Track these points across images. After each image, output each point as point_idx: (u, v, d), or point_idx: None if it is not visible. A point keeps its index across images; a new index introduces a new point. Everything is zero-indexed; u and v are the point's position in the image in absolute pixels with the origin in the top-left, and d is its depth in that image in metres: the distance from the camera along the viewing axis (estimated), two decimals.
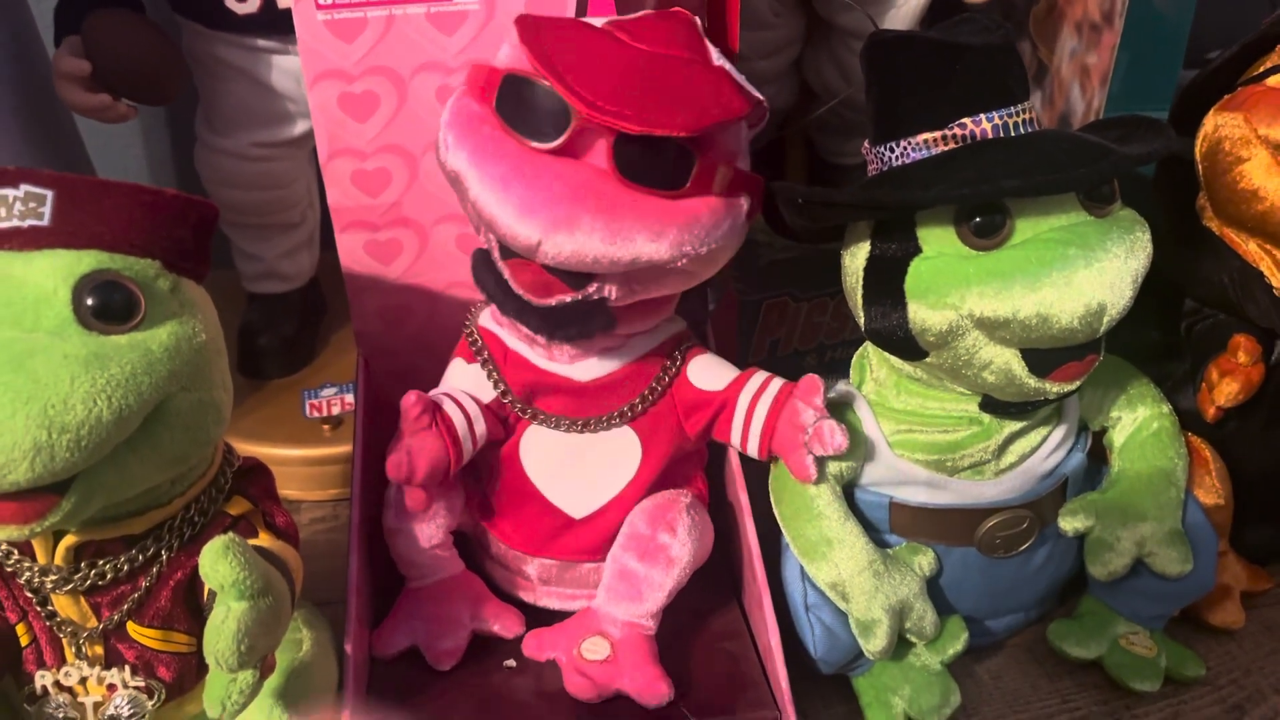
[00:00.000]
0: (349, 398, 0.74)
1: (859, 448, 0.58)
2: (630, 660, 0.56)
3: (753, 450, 0.58)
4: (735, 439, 0.58)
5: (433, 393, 0.57)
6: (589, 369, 0.57)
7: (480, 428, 0.57)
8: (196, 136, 0.77)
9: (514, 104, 0.50)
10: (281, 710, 0.50)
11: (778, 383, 0.58)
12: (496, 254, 0.52)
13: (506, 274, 0.52)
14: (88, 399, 0.41)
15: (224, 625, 0.42)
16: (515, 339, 0.58)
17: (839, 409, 0.59)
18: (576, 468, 0.58)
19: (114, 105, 0.68)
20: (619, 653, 0.56)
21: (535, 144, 0.49)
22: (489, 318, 0.59)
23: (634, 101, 0.47)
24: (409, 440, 0.54)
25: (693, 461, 0.62)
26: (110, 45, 0.66)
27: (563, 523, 0.59)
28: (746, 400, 0.57)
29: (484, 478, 0.60)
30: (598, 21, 0.53)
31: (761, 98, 0.53)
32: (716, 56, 0.53)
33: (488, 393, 0.58)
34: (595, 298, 0.51)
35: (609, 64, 0.49)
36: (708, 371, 0.59)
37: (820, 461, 0.56)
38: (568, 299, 0.51)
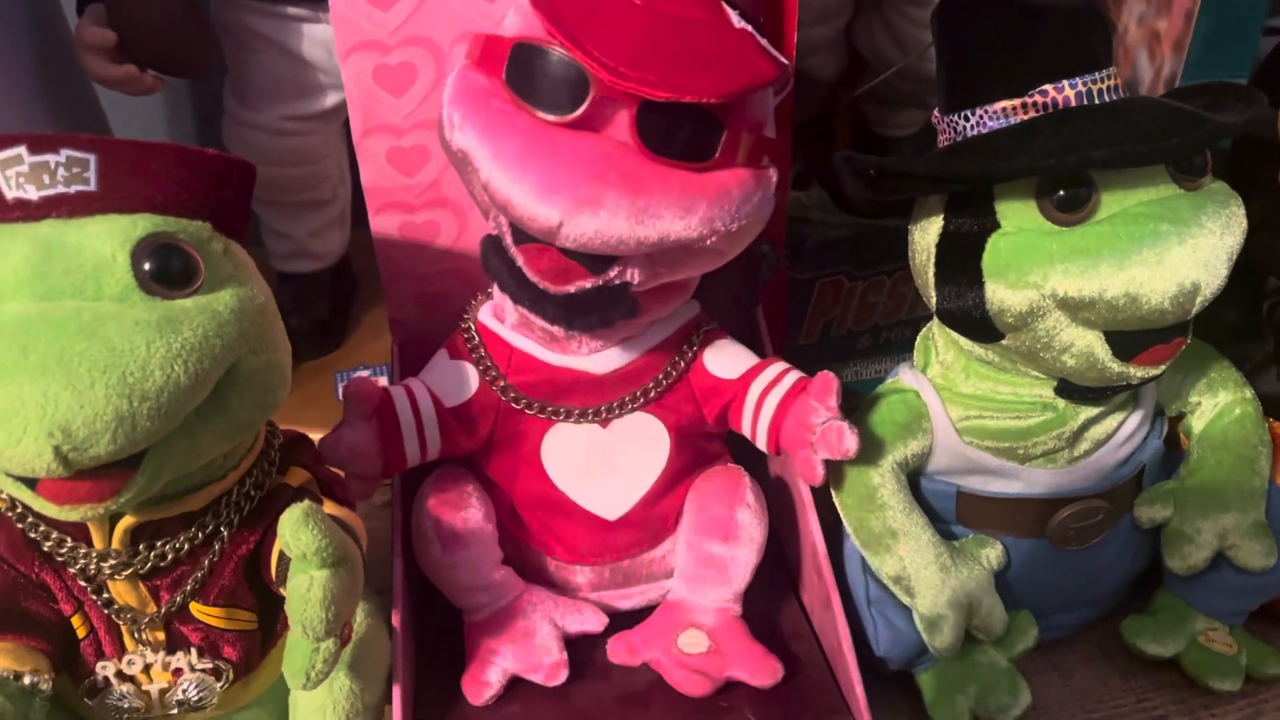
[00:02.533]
0: (383, 380, 0.71)
1: (925, 434, 0.55)
2: (732, 645, 0.54)
3: (761, 444, 0.55)
4: (746, 430, 0.56)
5: (397, 384, 0.55)
6: (605, 360, 0.54)
7: (431, 432, 0.54)
8: (224, 110, 0.74)
9: (525, 74, 0.46)
10: (345, 678, 0.48)
11: (792, 377, 0.55)
12: (509, 239, 0.49)
13: (520, 260, 0.48)
14: (165, 364, 0.40)
15: (310, 593, 0.41)
16: (521, 337, 0.54)
17: (902, 394, 0.56)
18: (603, 467, 0.55)
19: (140, 77, 0.65)
20: (719, 640, 0.54)
21: (551, 117, 0.45)
22: (489, 313, 0.55)
23: (658, 67, 0.44)
24: (344, 427, 0.52)
25: (716, 439, 0.59)
26: (136, 14, 0.63)
27: (600, 526, 0.56)
28: (757, 392, 0.55)
29: (511, 491, 0.57)
30: None
31: (786, 61, 0.50)
32: (737, 19, 0.49)
33: (461, 393, 0.54)
34: (617, 282, 0.48)
35: (627, 28, 0.45)
36: (724, 358, 0.56)
37: (867, 459, 0.53)
38: (588, 285, 0.47)
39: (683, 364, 0.55)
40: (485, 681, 0.54)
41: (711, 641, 0.54)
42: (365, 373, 0.76)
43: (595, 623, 0.56)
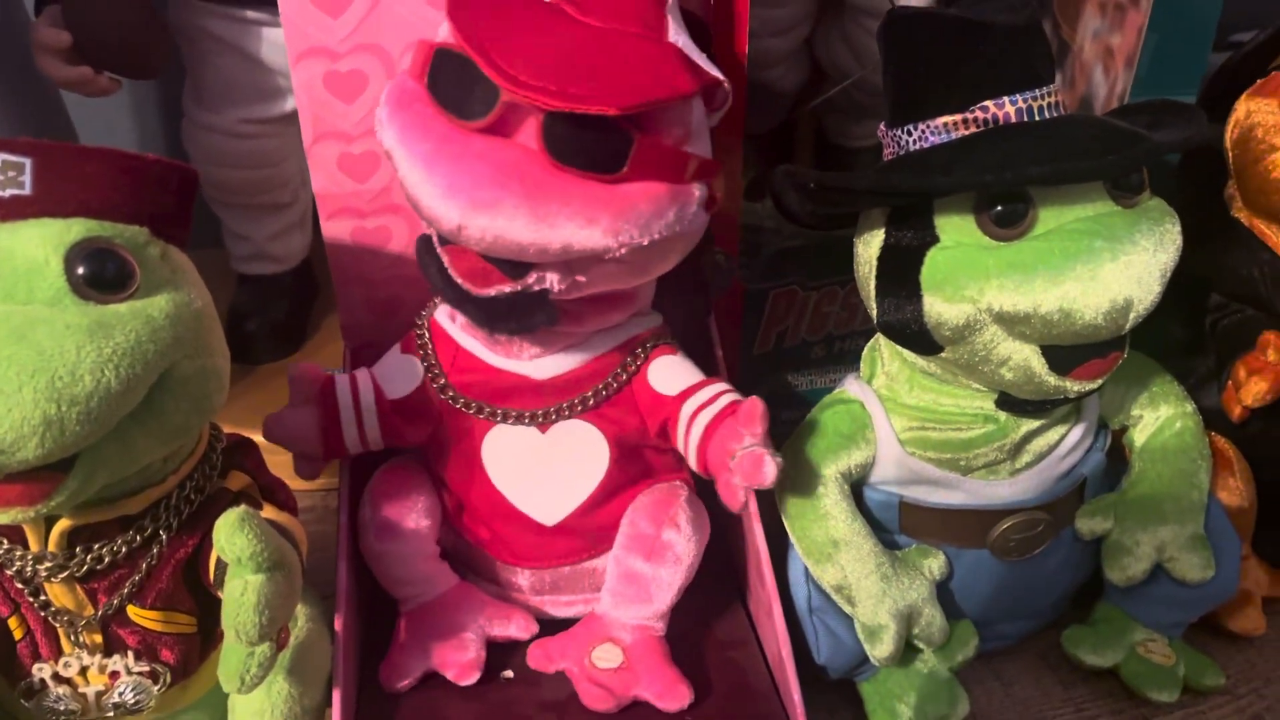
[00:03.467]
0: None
1: (869, 446, 0.55)
2: (645, 665, 0.54)
3: (692, 465, 0.55)
4: (680, 449, 0.55)
5: (349, 372, 0.56)
6: (546, 366, 0.54)
7: (370, 423, 0.56)
8: (183, 112, 0.74)
9: (443, 80, 0.47)
10: (284, 681, 0.49)
11: (725, 399, 0.54)
12: (436, 239, 0.50)
13: (446, 261, 0.49)
14: (95, 369, 0.39)
15: (244, 598, 0.42)
16: (468, 338, 0.55)
17: (848, 404, 0.56)
18: (542, 473, 0.55)
19: (95, 79, 0.65)
20: (632, 658, 0.54)
21: (464, 122, 0.46)
22: (444, 312, 0.56)
23: (562, 77, 0.44)
24: (286, 409, 0.55)
25: (671, 453, 0.59)
26: (91, 16, 0.63)
27: (537, 530, 0.56)
28: (689, 412, 0.54)
29: (455, 490, 0.57)
30: None
31: (720, 77, 0.50)
32: (674, 32, 0.49)
33: (403, 386, 0.55)
34: (535, 289, 0.48)
35: (544, 38, 0.46)
36: (667, 374, 0.55)
37: (811, 468, 0.53)
38: (506, 289, 0.48)
39: (625, 376, 0.55)
40: (401, 669, 0.55)
41: (625, 658, 0.54)
42: None
43: (523, 630, 0.57)
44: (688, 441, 0.54)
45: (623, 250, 0.46)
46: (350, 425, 0.55)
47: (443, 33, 0.49)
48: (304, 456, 0.56)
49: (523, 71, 0.44)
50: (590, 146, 0.45)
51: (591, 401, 0.55)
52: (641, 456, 0.57)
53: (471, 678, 0.55)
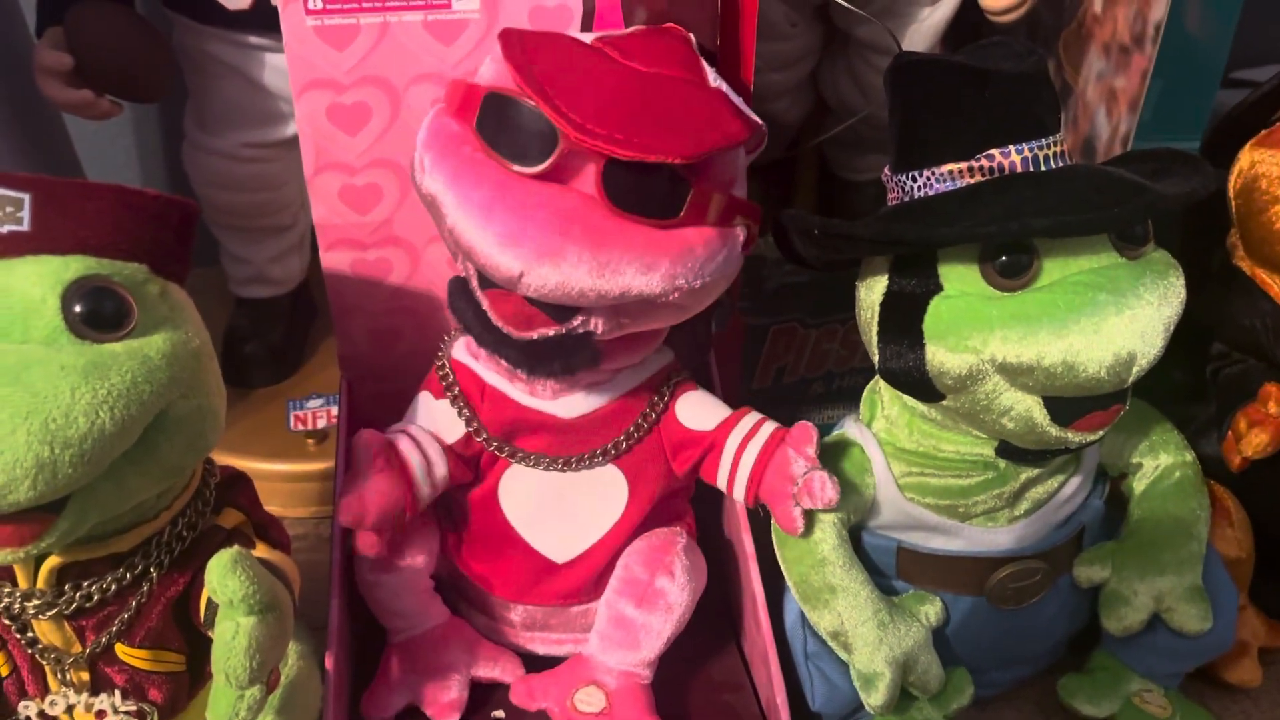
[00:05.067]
0: (335, 410, 0.71)
1: (867, 489, 0.55)
2: (627, 712, 0.53)
3: (739, 496, 0.55)
4: (722, 482, 0.55)
5: (392, 429, 0.54)
6: (573, 405, 0.54)
7: (440, 471, 0.54)
8: (185, 134, 0.74)
9: (496, 124, 0.47)
10: None
11: (769, 427, 0.55)
12: (475, 283, 0.49)
13: (485, 304, 0.49)
14: (89, 411, 0.39)
15: (235, 641, 0.41)
16: (493, 373, 0.54)
17: (846, 447, 0.56)
18: (558, 510, 0.55)
19: (96, 102, 0.65)
20: (615, 704, 0.54)
21: (518, 168, 0.46)
22: (463, 349, 0.56)
23: (626, 125, 0.44)
24: (361, 483, 0.51)
25: (681, 496, 0.59)
26: (94, 39, 0.63)
27: (544, 567, 0.56)
28: (735, 443, 0.54)
29: (460, 522, 0.57)
30: (587, 37, 0.50)
31: (760, 122, 0.50)
32: (713, 77, 0.50)
33: (454, 431, 0.55)
34: (580, 331, 0.48)
35: (600, 84, 0.46)
36: (697, 409, 0.56)
37: (811, 512, 0.53)
38: (550, 332, 0.48)
39: (654, 415, 0.55)
40: (383, 702, 0.55)
41: (608, 704, 0.54)
42: (318, 401, 0.75)
43: (508, 673, 0.57)
44: (735, 473, 0.54)
45: (675, 294, 0.46)
46: (424, 482, 0.53)
47: (486, 74, 0.49)
48: (380, 530, 0.52)
49: (589, 119, 0.44)
50: (649, 193, 0.46)
51: (624, 446, 0.55)
52: (656, 503, 0.57)
53: (452, 717, 0.55)
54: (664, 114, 0.46)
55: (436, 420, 0.55)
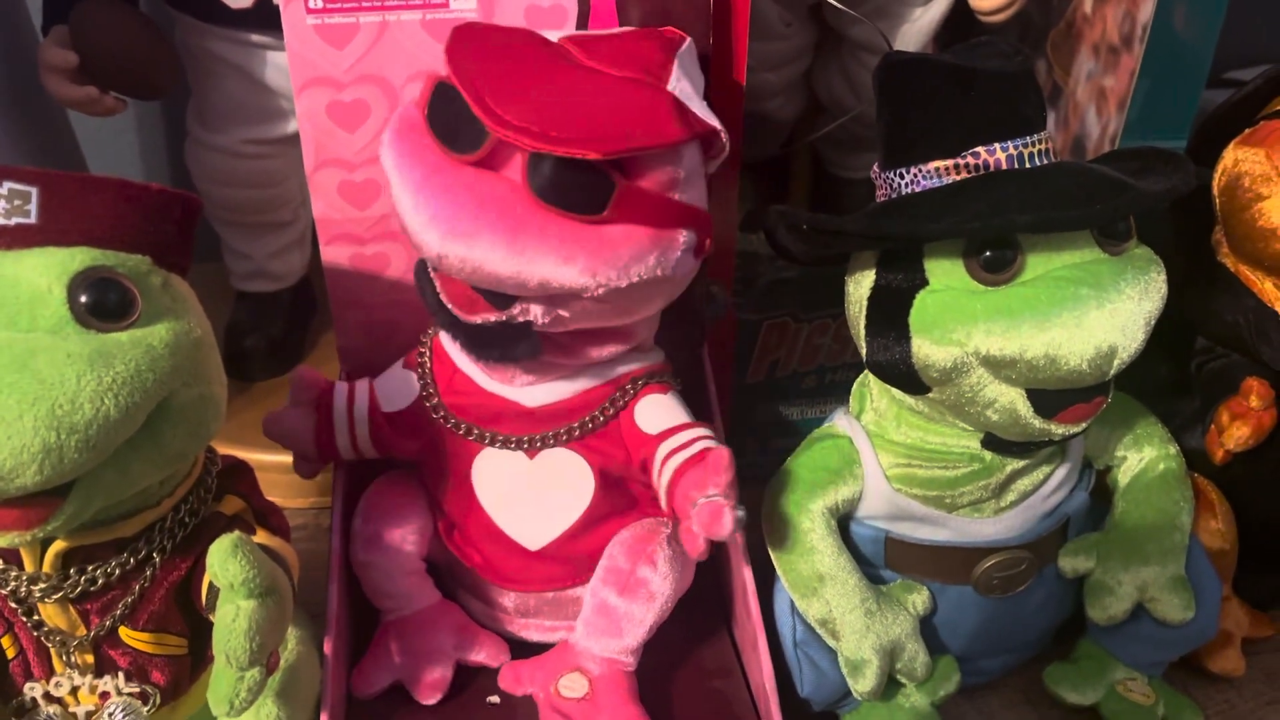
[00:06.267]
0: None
1: (856, 481, 0.56)
2: (609, 699, 0.54)
3: (663, 506, 0.55)
4: (655, 489, 0.56)
5: (348, 380, 0.59)
6: (536, 394, 0.55)
7: (362, 431, 0.58)
8: (187, 131, 0.75)
9: (440, 112, 0.48)
10: (273, 704, 0.49)
11: (699, 445, 0.54)
12: (430, 264, 0.51)
13: (438, 285, 0.51)
14: (95, 397, 0.40)
15: (235, 624, 0.42)
16: (466, 360, 0.56)
17: (837, 439, 0.57)
18: (527, 498, 0.56)
19: (101, 98, 0.66)
20: (597, 691, 0.54)
21: (455, 154, 0.47)
22: (446, 335, 0.57)
23: (546, 119, 0.45)
24: (283, 409, 0.58)
25: None
26: (98, 37, 0.64)
27: (521, 554, 0.57)
28: (663, 454, 0.54)
29: (448, 508, 0.58)
30: (554, 35, 0.51)
31: (718, 126, 0.50)
32: (674, 80, 0.50)
33: (405, 397, 0.57)
34: (519, 320, 0.49)
35: (538, 80, 0.47)
36: (652, 413, 0.55)
37: (798, 505, 0.54)
38: (492, 318, 0.49)
39: (612, 410, 0.55)
40: (371, 679, 0.56)
41: (590, 690, 0.55)
42: None
43: (493, 658, 0.58)
44: (659, 482, 0.54)
45: (600, 290, 0.47)
46: (343, 431, 0.58)
47: (444, 65, 0.50)
48: (302, 456, 0.59)
49: (510, 112, 0.45)
50: (572, 187, 0.46)
51: (578, 432, 0.55)
52: (627, 489, 0.58)
53: (433, 697, 0.56)
54: (595, 111, 0.46)
55: (390, 387, 0.58)
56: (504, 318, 0.49)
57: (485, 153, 0.47)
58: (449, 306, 0.50)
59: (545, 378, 0.54)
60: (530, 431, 0.55)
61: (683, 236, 0.49)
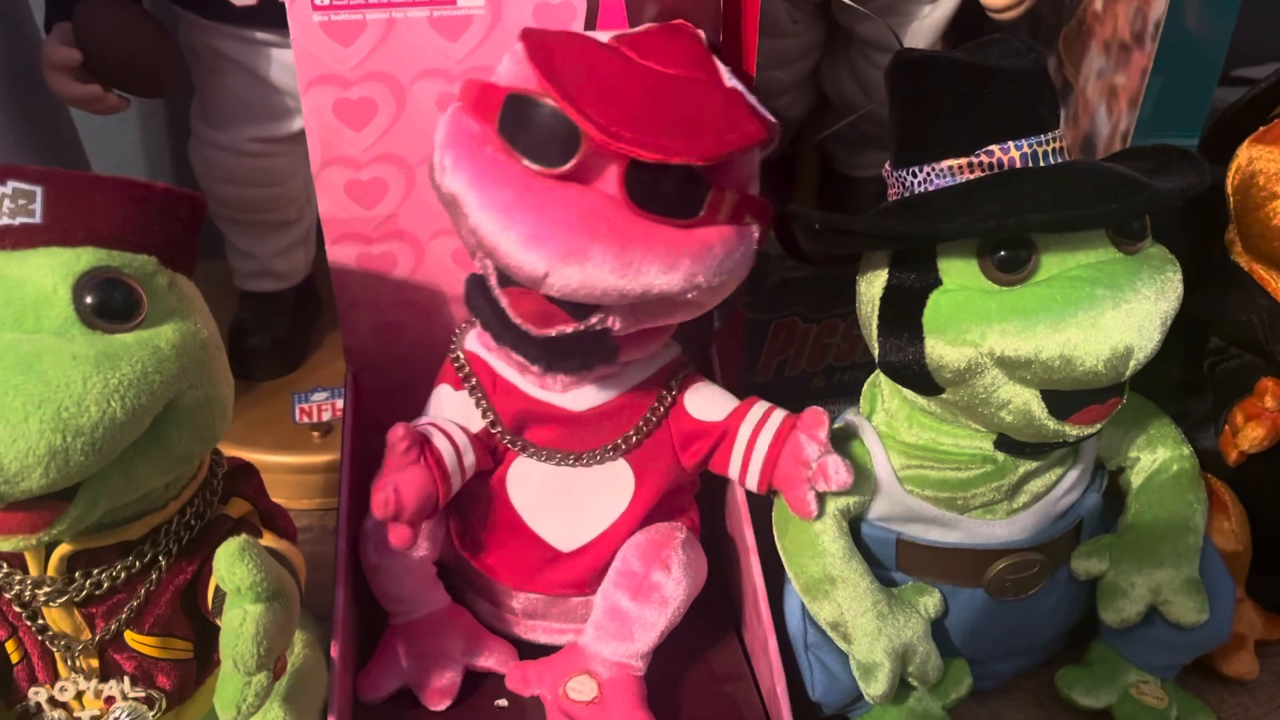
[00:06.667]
0: (340, 403, 0.71)
1: (867, 481, 0.56)
2: (618, 703, 0.54)
3: (752, 484, 0.56)
4: (734, 472, 0.56)
5: (419, 422, 0.54)
6: (583, 398, 0.54)
7: (469, 459, 0.54)
8: (191, 129, 0.74)
9: (518, 125, 0.47)
10: (279, 709, 0.49)
11: (780, 414, 0.55)
12: (494, 280, 0.50)
13: (504, 303, 0.50)
14: (101, 400, 0.40)
15: (243, 628, 0.42)
16: (504, 365, 0.55)
17: (847, 440, 0.56)
18: (565, 500, 0.56)
19: (104, 96, 0.65)
20: (606, 694, 0.54)
21: (540, 168, 0.46)
22: (475, 341, 0.56)
23: (648, 127, 0.45)
24: (395, 476, 0.51)
25: (685, 491, 0.60)
26: (102, 34, 0.63)
27: (549, 556, 0.56)
28: (748, 432, 0.55)
29: (468, 508, 0.58)
30: (604, 36, 0.50)
31: (775, 120, 0.51)
32: (728, 77, 0.51)
33: (476, 421, 0.55)
34: (598, 328, 0.49)
35: (621, 85, 0.47)
36: (706, 401, 0.56)
37: (821, 498, 0.54)
38: (569, 330, 0.49)
39: (662, 409, 0.55)
40: (378, 683, 0.56)
41: (599, 693, 0.54)
42: (323, 395, 0.76)
43: (502, 664, 0.58)
44: (748, 461, 0.55)
45: (694, 292, 0.47)
46: (455, 472, 0.53)
47: (505, 73, 0.50)
48: (415, 522, 0.52)
49: (613, 122, 0.44)
50: (670, 194, 0.46)
51: (634, 440, 0.55)
52: (661, 498, 0.57)
53: (442, 703, 0.56)
54: (684, 115, 0.47)
55: (458, 411, 0.56)
56: (581, 328, 0.49)
57: (574, 166, 0.46)
58: (517, 323, 0.50)
59: (586, 381, 0.54)
60: (580, 447, 0.55)
61: (756, 228, 0.50)
